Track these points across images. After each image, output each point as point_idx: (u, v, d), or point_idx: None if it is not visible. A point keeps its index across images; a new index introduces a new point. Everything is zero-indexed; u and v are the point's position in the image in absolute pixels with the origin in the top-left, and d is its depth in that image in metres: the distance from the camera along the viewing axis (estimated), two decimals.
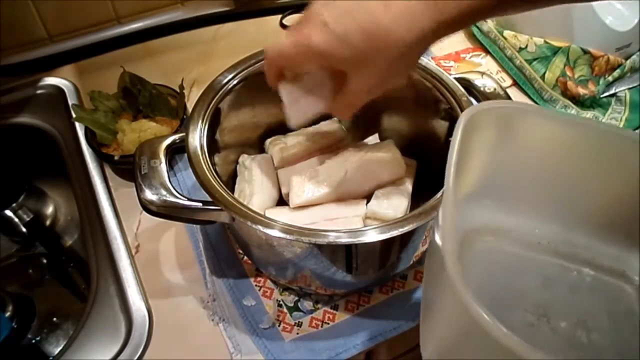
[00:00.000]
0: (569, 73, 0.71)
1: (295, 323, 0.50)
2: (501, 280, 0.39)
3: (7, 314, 0.64)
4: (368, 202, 0.49)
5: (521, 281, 0.39)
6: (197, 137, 0.46)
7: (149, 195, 0.43)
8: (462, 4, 0.32)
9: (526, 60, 0.73)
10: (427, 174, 0.54)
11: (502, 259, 0.40)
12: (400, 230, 0.39)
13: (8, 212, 0.73)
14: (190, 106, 0.64)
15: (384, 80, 0.37)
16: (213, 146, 0.49)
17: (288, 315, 0.50)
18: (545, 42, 0.72)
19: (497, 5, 0.33)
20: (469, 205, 0.36)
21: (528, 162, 0.37)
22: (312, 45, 0.35)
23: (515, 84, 0.74)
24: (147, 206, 0.43)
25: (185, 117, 0.64)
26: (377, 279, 0.50)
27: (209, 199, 0.42)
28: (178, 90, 0.64)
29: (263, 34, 0.83)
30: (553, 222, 0.39)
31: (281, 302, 0.51)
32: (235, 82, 0.51)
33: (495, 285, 0.38)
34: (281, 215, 0.49)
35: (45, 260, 0.76)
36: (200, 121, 0.47)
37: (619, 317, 0.36)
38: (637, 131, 0.66)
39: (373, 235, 0.39)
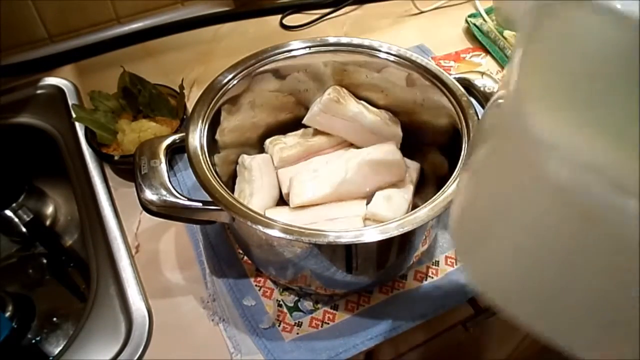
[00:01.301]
0: None
1: (295, 323, 0.50)
2: None
3: (7, 314, 0.64)
4: (368, 203, 0.49)
5: None
6: (197, 137, 0.46)
7: (149, 195, 0.43)
8: None
9: None
10: (428, 175, 0.54)
11: None
12: (401, 230, 0.39)
13: (8, 212, 0.73)
14: (190, 106, 0.64)
15: None
16: (213, 146, 0.49)
17: (288, 315, 0.50)
18: None
19: None
20: None
21: (588, 64, 0.31)
22: None
23: None
24: (147, 206, 0.43)
25: (185, 117, 0.64)
26: (377, 279, 0.50)
27: (209, 199, 0.42)
28: (178, 90, 0.64)
29: (263, 34, 0.83)
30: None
31: (281, 302, 0.51)
32: (235, 82, 0.51)
33: None
34: (281, 215, 0.49)
35: (45, 260, 0.76)
36: (200, 121, 0.47)
37: None
38: None
39: (373, 235, 0.39)
